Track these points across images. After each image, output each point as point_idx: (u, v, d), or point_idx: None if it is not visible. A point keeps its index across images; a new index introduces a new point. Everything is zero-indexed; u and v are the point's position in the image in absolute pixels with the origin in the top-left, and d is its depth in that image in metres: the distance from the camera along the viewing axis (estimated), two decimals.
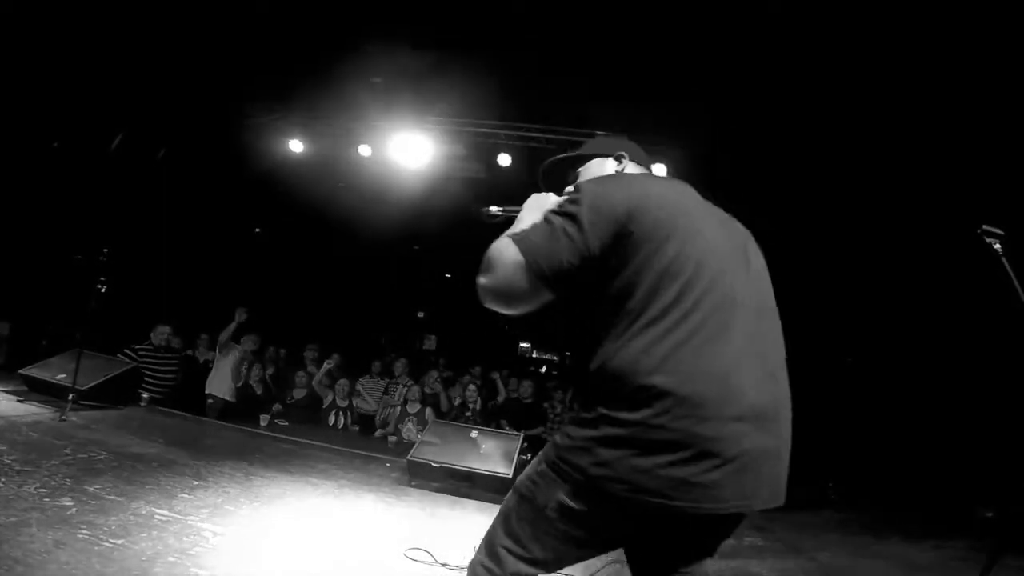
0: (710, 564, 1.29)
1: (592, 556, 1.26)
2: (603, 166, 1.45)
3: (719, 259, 1.17)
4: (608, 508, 1.12)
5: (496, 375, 6.70)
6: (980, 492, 4.37)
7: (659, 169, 6.40)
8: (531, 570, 1.23)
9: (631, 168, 1.43)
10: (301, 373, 6.31)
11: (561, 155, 1.51)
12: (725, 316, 1.12)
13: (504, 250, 1.19)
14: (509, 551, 1.22)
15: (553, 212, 1.20)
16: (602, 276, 1.16)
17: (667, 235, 1.14)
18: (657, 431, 1.06)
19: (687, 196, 1.26)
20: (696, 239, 1.16)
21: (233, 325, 5.55)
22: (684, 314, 1.09)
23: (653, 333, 1.09)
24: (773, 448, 1.17)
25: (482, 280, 1.21)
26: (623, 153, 1.43)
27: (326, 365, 6.38)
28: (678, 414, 1.05)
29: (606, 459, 1.09)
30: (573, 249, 1.14)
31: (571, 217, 1.16)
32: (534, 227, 1.20)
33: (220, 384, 5.69)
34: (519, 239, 1.18)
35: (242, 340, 5.88)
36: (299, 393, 6.19)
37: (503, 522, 1.26)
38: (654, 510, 1.07)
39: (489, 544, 1.26)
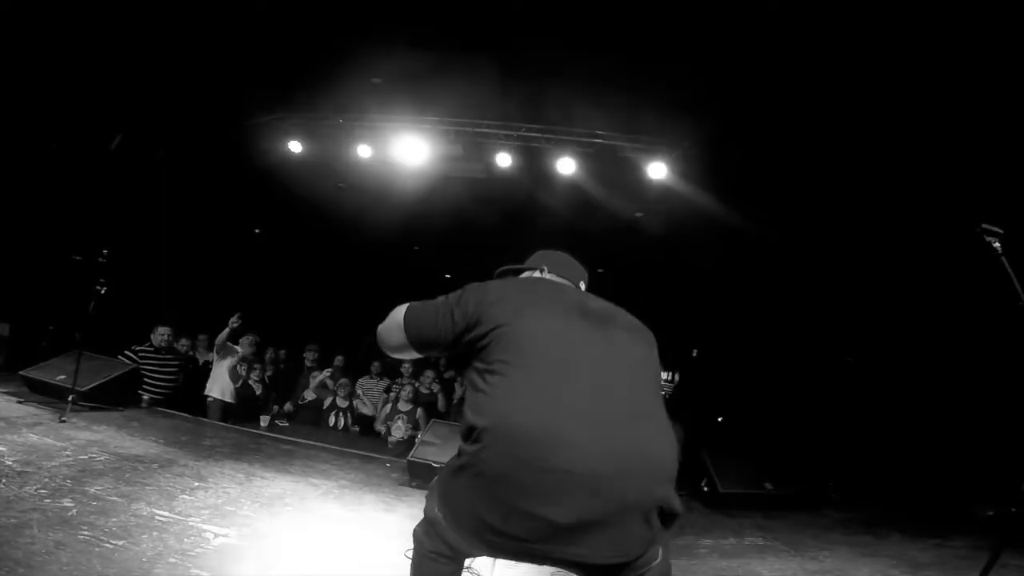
0: None
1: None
2: (531, 276, 1.77)
3: (557, 339, 1.36)
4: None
5: None
6: (980, 491, 4.37)
7: (658, 170, 6.39)
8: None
9: (548, 277, 1.74)
10: (316, 373, 6.34)
11: (508, 267, 1.86)
12: (552, 378, 1.28)
13: (399, 310, 1.53)
14: None
15: (446, 298, 1.49)
16: (463, 349, 1.43)
17: (506, 322, 1.37)
18: (481, 464, 1.24)
19: (543, 295, 1.52)
20: (537, 324, 1.38)
21: (227, 331, 5.55)
22: (510, 372, 1.29)
23: (490, 386, 1.30)
24: (599, 515, 1.20)
25: (379, 326, 1.57)
26: (544, 267, 1.76)
27: (324, 373, 6.38)
28: (497, 451, 1.23)
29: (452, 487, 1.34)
30: (438, 330, 1.45)
31: (449, 307, 1.46)
32: (428, 303, 1.50)
33: (218, 386, 5.69)
34: (410, 307, 1.52)
35: (240, 341, 5.87)
36: (311, 395, 6.20)
37: None
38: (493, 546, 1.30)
39: None
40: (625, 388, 1.33)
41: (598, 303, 1.55)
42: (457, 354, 1.47)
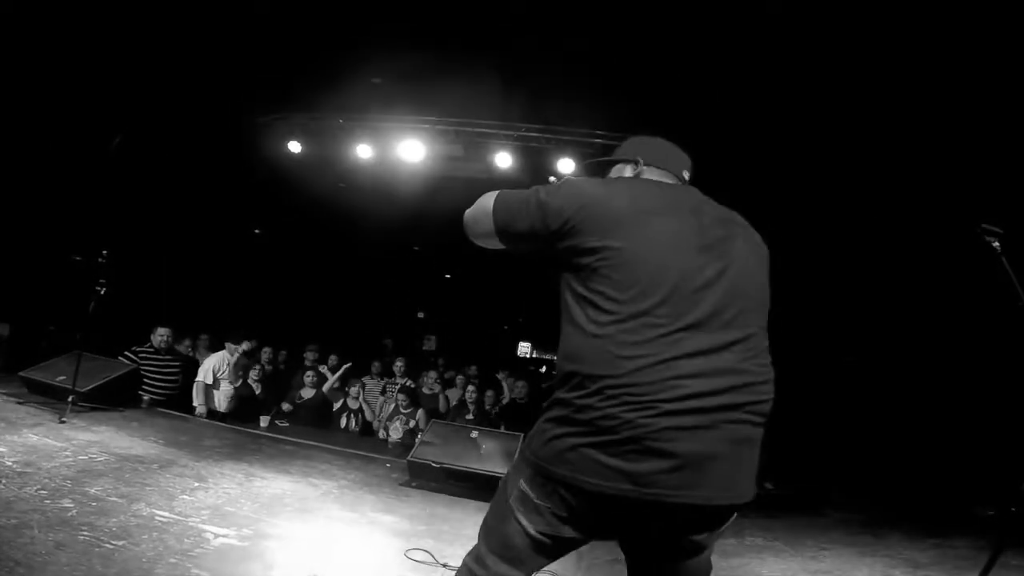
0: (699, 563, 1.29)
1: (555, 554, 1.26)
2: (623, 171, 1.55)
3: (673, 255, 1.21)
4: (556, 493, 1.19)
5: (502, 375, 6.68)
6: (980, 491, 4.37)
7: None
8: (513, 571, 1.25)
9: (647, 172, 1.51)
10: (311, 373, 6.29)
11: (597, 159, 1.66)
12: (671, 309, 1.16)
13: (488, 197, 1.40)
14: (490, 550, 1.28)
15: (537, 189, 1.34)
16: (559, 256, 1.28)
17: (610, 232, 1.22)
18: (590, 411, 1.13)
19: (654, 198, 1.33)
20: (647, 236, 1.22)
21: (233, 358, 5.55)
22: (623, 305, 1.16)
23: (597, 321, 1.18)
24: (718, 447, 1.14)
25: (467, 210, 1.45)
26: (639, 158, 1.52)
27: (343, 369, 6.32)
28: (610, 395, 1.12)
29: (551, 439, 1.19)
30: (528, 220, 1.30)
31: (541, 197, 1.30)
32: (518, 192, 1.36)
33: (218, 398, 5.65)
34: (501, 194, 1.39)
35: (242, 344, 5.86)
36: (308, 393, 6.18)
37: (484, 522, 1.34)
38: (594, 495, 1.13)
39: (476, 545, 1.33)
40: (740, 314, 1.22)
41: (714, 209, 1.37)
42: (551, 258, 1.31)
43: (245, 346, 5.83)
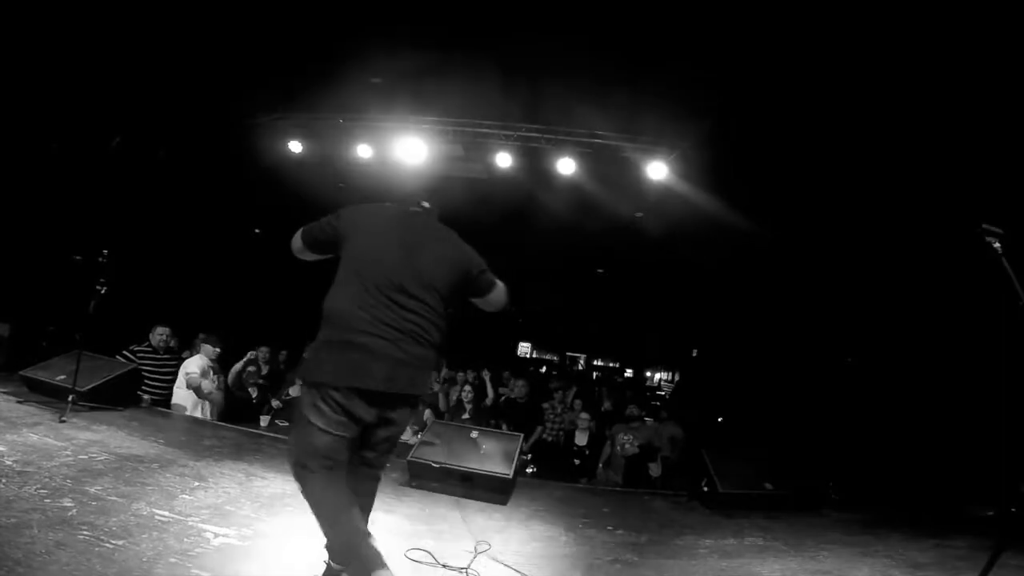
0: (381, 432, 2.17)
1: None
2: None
3: (380, 252, 2.15)
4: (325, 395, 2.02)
5: (487, 374, 6.67)
6: (980, 491, 4.37)
7: (658, 170, 6.39)
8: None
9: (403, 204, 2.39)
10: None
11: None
12: (369, 283, 2.08)
13: (300, 230, 2.33)
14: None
15: (327, 216, 2.28)
16: (339, 252, 2.24)
17: (351, 236, 2.20)
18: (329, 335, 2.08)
19: (386, 220, 2.27)
20: (368, 241, 2.18)
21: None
22: (348, 279, 2.14)
23: (335, 283, 2.18)
24: (392, 355, 2.03)
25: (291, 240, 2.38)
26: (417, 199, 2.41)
27: (248, 356, 6.09)
28: (335, 325, 2.07)
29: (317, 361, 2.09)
30: (319, 233, 2.28)
31: (328, 219, 2.27)
32: (318, 221, 2.31)
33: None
34: (306, 226, 2.32)
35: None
36: (295, 391, 6.16)
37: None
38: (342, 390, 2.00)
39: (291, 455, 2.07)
40: (420, 289, 2.12)
41: (426, 226, 2.31)
42: (337, 255, 2.23)
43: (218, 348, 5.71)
